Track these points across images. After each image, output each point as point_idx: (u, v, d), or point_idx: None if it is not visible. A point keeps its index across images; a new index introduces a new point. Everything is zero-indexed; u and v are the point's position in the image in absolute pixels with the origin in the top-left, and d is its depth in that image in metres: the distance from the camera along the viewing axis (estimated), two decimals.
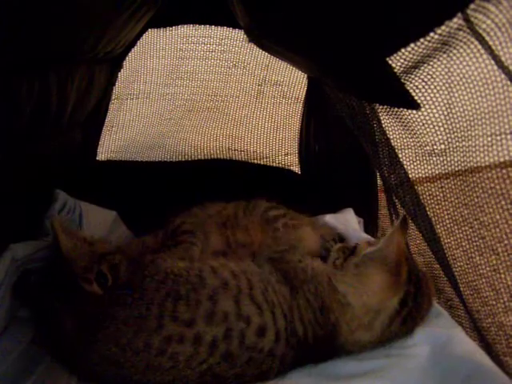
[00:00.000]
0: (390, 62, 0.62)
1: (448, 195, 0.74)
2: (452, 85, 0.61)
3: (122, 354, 0.68)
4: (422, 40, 0.55)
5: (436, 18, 0.51)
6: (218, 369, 0.69)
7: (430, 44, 0.56)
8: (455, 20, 0.51)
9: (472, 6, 0.48)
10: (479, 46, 0.53)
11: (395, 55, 0.61)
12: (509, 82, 0.55)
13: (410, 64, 0.62)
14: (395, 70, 0.63)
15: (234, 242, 1.00)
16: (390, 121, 0.82)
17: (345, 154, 1.24)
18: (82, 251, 0.79)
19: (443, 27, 0.52)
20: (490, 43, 0.52)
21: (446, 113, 0.65)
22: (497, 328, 0.73)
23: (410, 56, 0.60)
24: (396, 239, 0.76)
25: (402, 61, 0.61)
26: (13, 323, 0.80)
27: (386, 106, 0.79)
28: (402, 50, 0.59)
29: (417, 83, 0.64)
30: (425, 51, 0.58)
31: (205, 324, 0.70)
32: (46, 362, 0.77)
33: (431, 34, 0.54)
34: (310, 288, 0.79)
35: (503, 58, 0.53)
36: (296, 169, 1.40)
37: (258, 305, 0.74)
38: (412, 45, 0.57)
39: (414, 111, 0.69)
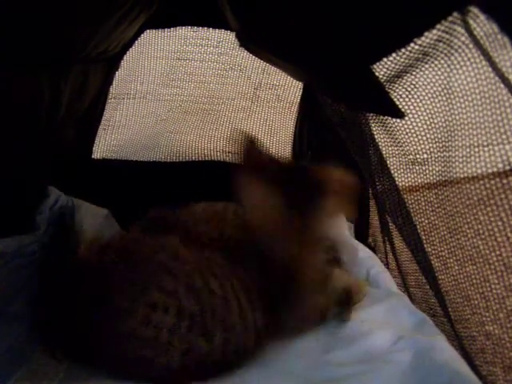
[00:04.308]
0: (374, 70, 0.63)
1: (445, 203, 0.74)
2: (434, 95, 0.62)
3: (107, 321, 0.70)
4: (403, 50, 0.56)
5: (415, 28, 0.52)
6: (197, 349, 0.69)
7: (412, 54, 0.57)
8: (434, 31, 0.51)
9: (450, 18, 0.48)
10: (459, 58, 0.53)
11: (378, 64, 0.62)
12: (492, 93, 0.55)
13: (392, 73, 0.62)
14: (379, 79, 0.64)
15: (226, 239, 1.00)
16: (378, 128, 0.83)
17: (337, 158, 1.24)
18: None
19: (423, 38, 0.53)
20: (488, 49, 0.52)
21: (428, 122, 0.66)
22: (484, 337, 0.73)
23: (393, 65, 0.60)
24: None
25: (384, 70, 0.62)
26: (1, 318, 0.81)
27: (372, 114, 0.80)
28: (385, 60, 0.60)
29: (400, 92, 0.65)
30: (406, 61, 0.59)
31: (185, 297, 0.71)
32: (35, 357, 0.77)
33: (411, 45, 0.55)
34: None
35: (490, 68, 0.54)
36: None
37: (221, 283, 0.75)
38: (394, 54, 0.58)
39: (398, 120, 0.70)
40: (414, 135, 0.72)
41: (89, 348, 0.72)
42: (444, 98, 0.61)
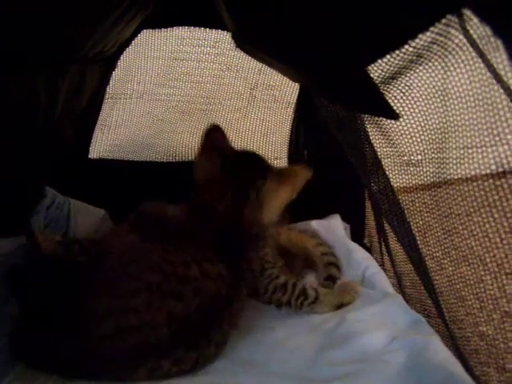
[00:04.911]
0: (369, 71, 0.63)
1: (439, 204, 0.75)
2: (428, 96, 0.62)
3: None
4: (397, 52, 0.56)
5: (409, 30, 0.52)
6: (176, 310, 0.72)
7: (406, 56, 0.57)
8: (428, 34, 0.52)
9: (444, 20, 0.49)
10: (453, 60, 0.54)
11: (373, 65, 0.62)
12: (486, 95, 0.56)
13: (387, 75, 0.63)
14: (374, 80, 0.64)
15: None
16: (373, 129, 0.83)
17: (333, 159, 1.25)
18: None
19: (417, 40, 0.53)
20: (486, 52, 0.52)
21: (423, 123, 0.66)
22: (479, 338, 0.74)
23: (387, 67, 0.60)
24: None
25: (379, 71, 0.62)
26: None
27: (367, 115, 0.80)
28: (379, 61, 0.60)
29: (395, 93, 0.65)
30: (401, 63, 0.59)
31: (148, 274, 0.74)
32: None
33: (406, 47, 0.55)
34: None
35: (483, 71, 0.54)
36: None
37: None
38: (388, 56, 0.58)
39: (393, 121, 0.70)
40: (409, 136, 0.72)
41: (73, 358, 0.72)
42: (438, 100, 0.61)
